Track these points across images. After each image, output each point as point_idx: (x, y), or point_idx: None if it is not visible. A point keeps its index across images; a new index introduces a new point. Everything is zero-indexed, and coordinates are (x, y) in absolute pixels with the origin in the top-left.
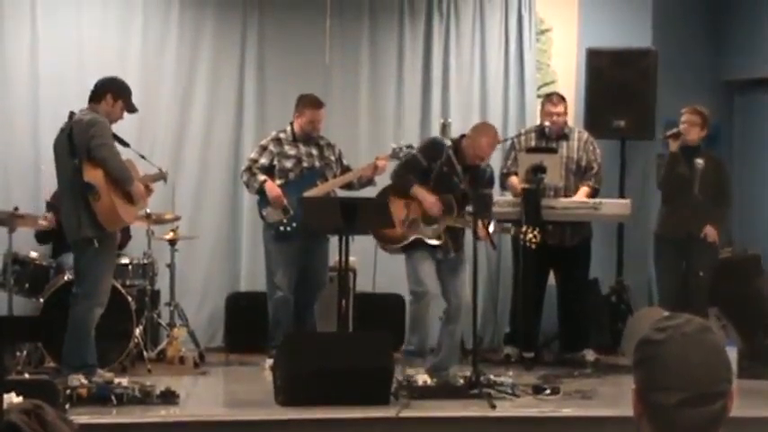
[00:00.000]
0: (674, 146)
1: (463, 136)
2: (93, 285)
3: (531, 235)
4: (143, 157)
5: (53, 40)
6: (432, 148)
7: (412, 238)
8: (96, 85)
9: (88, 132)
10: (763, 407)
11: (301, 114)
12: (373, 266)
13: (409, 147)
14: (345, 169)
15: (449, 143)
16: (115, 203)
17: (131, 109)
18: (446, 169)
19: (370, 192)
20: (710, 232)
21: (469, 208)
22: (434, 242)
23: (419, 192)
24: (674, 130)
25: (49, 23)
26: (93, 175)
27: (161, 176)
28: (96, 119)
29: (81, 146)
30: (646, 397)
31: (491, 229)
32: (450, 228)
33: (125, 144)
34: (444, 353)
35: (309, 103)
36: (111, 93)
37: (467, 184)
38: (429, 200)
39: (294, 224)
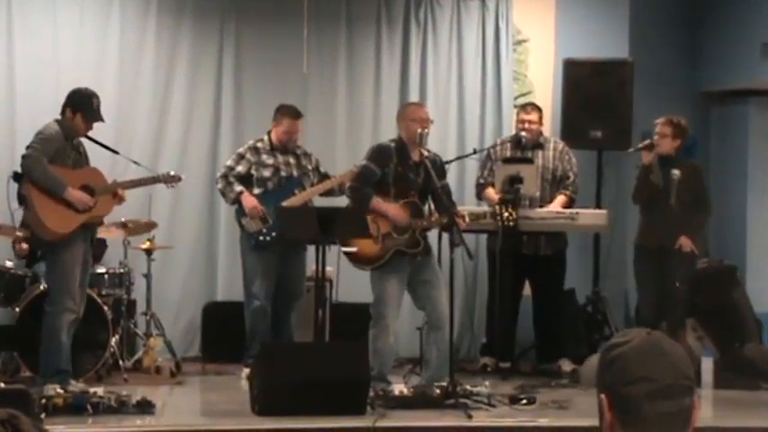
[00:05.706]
0: (647, 158)
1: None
2: (54, 292)
3: (507, 213)
4: (136, 162)
5: (29, 48)
6: (380, 153)
7: (392, 251)
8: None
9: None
10: (740, 417)
11: (279, 124)
12: (348, 276)
13: None
14: (324, 177)
15: (429, 153)
16: (39, 213)
17: (95, 118)
18: (400, 169)
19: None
20: (685, 242)
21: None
22: (414, 250)
23: (380, 206)
24: (645, 143)
25: (25, 31)
26: (25, 185)
27: (152, 181)
28: (44, 130)
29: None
30: (616, 395)
31: (467, 219)
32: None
33: (114, 152)
34: (435, 364)
35: (288, 113)
36: (70, 107)
37: (422, 179)
38: (391, 210)
39: (274, 233)
